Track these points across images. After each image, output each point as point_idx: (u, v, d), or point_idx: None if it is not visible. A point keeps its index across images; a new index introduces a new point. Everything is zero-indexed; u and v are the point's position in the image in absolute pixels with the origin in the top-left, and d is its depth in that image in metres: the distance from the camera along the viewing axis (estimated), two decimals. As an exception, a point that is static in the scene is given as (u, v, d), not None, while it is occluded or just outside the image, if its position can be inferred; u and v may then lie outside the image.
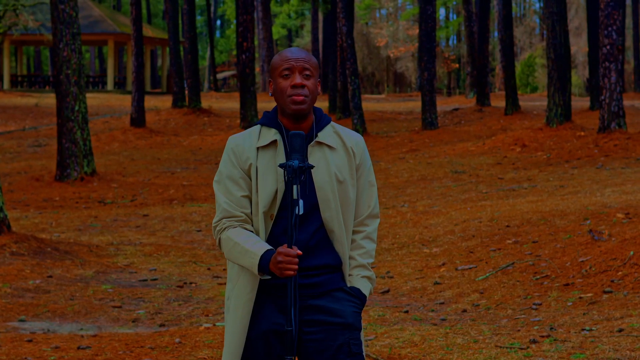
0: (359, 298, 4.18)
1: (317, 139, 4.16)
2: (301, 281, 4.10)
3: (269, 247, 4.05)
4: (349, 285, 4.21)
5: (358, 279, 4.22)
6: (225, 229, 4.16)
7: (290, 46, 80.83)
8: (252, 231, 4.15)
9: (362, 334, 4.26)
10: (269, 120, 4.20)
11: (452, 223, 13.38)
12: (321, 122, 4.21)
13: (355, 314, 4.15)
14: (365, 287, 4.22)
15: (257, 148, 4.16)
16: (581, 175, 17.92)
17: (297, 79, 4.11)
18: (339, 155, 4.18)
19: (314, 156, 4.14)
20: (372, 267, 4.36)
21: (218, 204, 4.18)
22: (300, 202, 4.05)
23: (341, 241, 4.17)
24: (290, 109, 4.11)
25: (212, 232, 4.23)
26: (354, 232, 4.25)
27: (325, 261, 4.15)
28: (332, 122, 4.25)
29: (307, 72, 4.13)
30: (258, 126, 4.22)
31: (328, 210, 4.13)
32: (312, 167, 4.04)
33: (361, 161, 4.23)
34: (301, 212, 4.04)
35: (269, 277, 4.08)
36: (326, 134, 4.19)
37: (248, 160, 4.15)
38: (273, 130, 4.17)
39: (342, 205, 4.17)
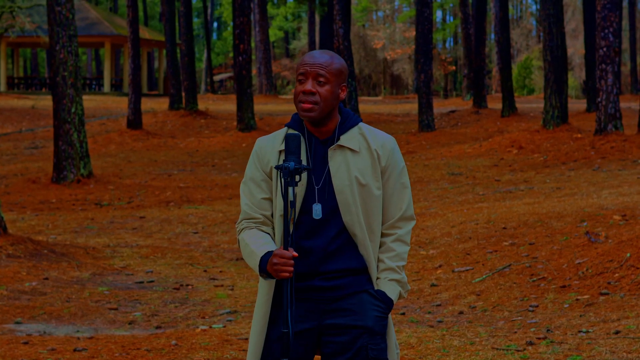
0: (383, 302, 4.12)
1: (338, 142, 4.12)
2: (322, 284, 4.08)
3: (272, 248, 4.05)
4: (376, 288, 4.15)
5: (385, 282, 4.15)
6: (242, 230, 4.17)
7: (287, 48, 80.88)
8: (268, 233, 4.14)
9: (392, 338, 4.19)
10: (295, 123, 4.18)
11: (449, 225, 13.37)
12: (346, 124, 4.15)
13: (378, 318, 4.09)
14: (392, 291, 4.14)
15: (279, 151, 4.14)
16: (578, 177, 17.92)
17: (308, 86, 4.07)
18: (361, 158, 4.12)
19: (335, 160, 4.11)
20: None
21: (241, 205, 4.19)
22: (318, 206, 4.04)
23: (365, 245, 4.12)
24: (300, 114, 4.10)
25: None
26: (385, 235, 4.19)
27: (347, 265, 4.11)
28: (360, 124, 4.18)
29: (322, 79, 4.07)
30: (285, 128, 4.20)
31: (349, 214, 4.09)
32: (309, 168, 4.02)
33: (388, 163, 4.15)
34: (319, 216, 4.03)
35: (272, 279, 4.07)
36: (349, 137, 4.13)
37: (269, 163, 4.14)
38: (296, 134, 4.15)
39: (365, 209, 4.11)
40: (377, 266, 4.17)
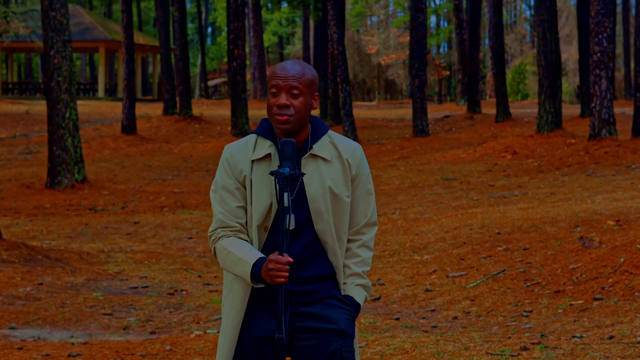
0: (352, 306, 4.18)
1: (311, 152, 4.14)
2: (293, 288, 4.11)
3: (261, 255, 4.06)
4: (343, 293, 4.20)
5: (352, 287, 4.22)
6: (219, 238, 4.16)
7: (281, 53, 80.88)
8: (246, 240, 4.15)
9: (357, 341, 4.26)
10: (265, 131, 4.18)
11: (443, 230, 13.38)
12: (317, 132, 4.18)
13: (348, 321, 4.15)
14: (359, 296, 4.21)
15: (252, 161, 4.15)
16: (572, 182, 17.94)
17: (282, 99, 4.07)
18: (333, 168, 4.16)
19: (308, 168, 4.13)
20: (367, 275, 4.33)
21: (214, 213, 4.18)
22: (293, 216, 4.04)
23: (334, 252, 4.17)
24: (275, 127, 4.10)
25: (208, 241, 4.24)
26: (350, 241, 4.25)
27: (318, 272, 4.16)
28: (329, 132, 4.22)
29: (295, 91, 4.08)
30: (254, 136, 4.20)
31: (321, 222, 4.13)
32: (304, 174, 4.04)
33: (358, 171, 4.20)
34: (292, 226, 4.04)
35: (262, 285, 4.09)
36: (321, 146, 4.16)
37: (242, 172, 4.14)
38: (268, 142, 4.15)
39: (336, 217, 4.16)
40: (344, 271, 4.22)
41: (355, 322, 4.26)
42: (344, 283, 4.22)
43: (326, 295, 4.17)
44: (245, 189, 4.15)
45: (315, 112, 40.41)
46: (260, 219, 4.10)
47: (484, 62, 70.39)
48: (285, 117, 4.06)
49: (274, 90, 4.10)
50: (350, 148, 4.21)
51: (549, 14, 25.95)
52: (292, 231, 4.08)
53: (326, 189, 4.12)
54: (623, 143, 21.84)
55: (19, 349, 8.24)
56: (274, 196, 4.09)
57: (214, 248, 4.18)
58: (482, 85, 64.29)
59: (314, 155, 4.15)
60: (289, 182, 3.99)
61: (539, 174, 20.02)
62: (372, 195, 4.26)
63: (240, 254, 4.07)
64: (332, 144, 4.19)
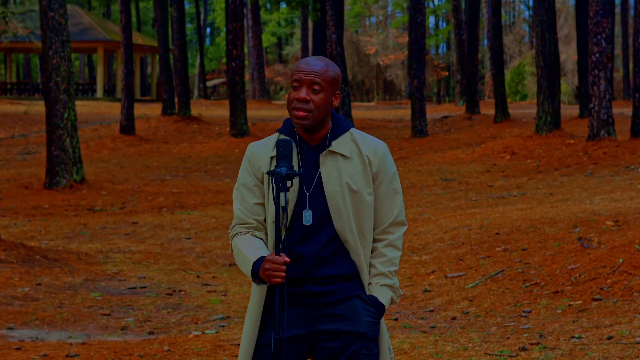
0: (375, 307, 4.13)
1: (330, 148, 4.12)
2: (315, 289, 4.08)
3: (264, 254, 4.05)
4: (367, 293, 4.15)
5: (377, 287, 4.15)
6: (235, 235, 4.16)
7: (280, 54, 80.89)
8: (261, 238, 4.14)
9: (385, 343, 4.19)
10: (286, 129, 4.18)
11: (442, 230, 13.38)
12: (337, 130, 4.16)
13: (370, 323, 4.10)
14: (384, 296, 4.15)
15: (271, 157, 4.14)
16: (570, 182, 17.94)
17: (302, 93, 4.06)
18: (353, 164, 4.13)
19: (326, 165, 4.10)
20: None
21: (234, 210, 4.19)
22: (309, 212, 4.04)
23: (356, 251, 4.12)
24: (293, 122, 4.10)
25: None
26: (377, 240, 4.20)
27: (339, 271, 4.11)
28: (352, 130, 4.19)
29: (316, 87, 4.07)
30: (277, 134, 4.20)
31: (340, 220, 4.09)
32: (301, 174, 4.02)
33: (380, 169, 4.15)
34: (309, 222, 4.03)
35: (265, 284, 4.08)
36: (341, 143, 4.14)
37: (261, 169, 4.14)
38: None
39: (357, 215, 4.12)
40: (369, 271, 4.17)
41: (383, 322, 4.20)
42: (369, 283, 4.16)
43: (349, 295, 4.12)
44: (264, 186, 4.14)
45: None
46: (275, 215, 4.08)
47: (482, 62, 70.40)
48: (304, 113, 4.05)
49: (295, 84, 4.09)
50: (373, 145, 4.17)
51: (548, 14, 25.95)
52: (309, 229, 4.06)
53: (344, 186, 4.09)
54: (622, 143, 21.84)
55: (16, 349, 8.23)
56: (291, 192, 4.06)
57: (231, 245, 4.19)
58: (480, 85, 64.32)
59: (333, 152, 4.12)
60: (286, 181, 3.98)
61: (537, 174, 20.02)
62: (398, 194, 4.21)
63: (247, 252, 4.07)
64: (353, 141, 4.16)
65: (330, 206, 4.08)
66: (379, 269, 4.17)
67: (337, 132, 4.15)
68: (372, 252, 4.19)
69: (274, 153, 4.13)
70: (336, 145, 4.13)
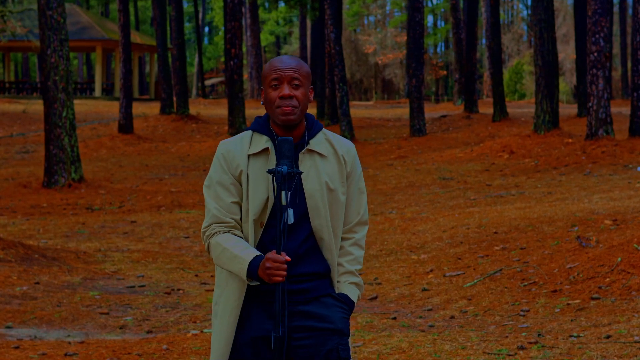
0: (346, 304, 4.19)
1: (308, 147, 4.15)
2: (290, 287, 4.11)
3: (258, 253, 4.05)
4: (337, 291, 4.21)
5: (346, 285, 4.23)
6: (214, 234, 4.15)
7: (278, 53, 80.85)
8: (241, 237, 4.14)
9: (350, 340, 4.27)
10: (261, 126, 4.19)
11: (440, 229, 13.38)
12: (313, 129, 4.20)
13: (344, 319, 4.16)
14: (353, 294, 4.23)
15: (249, 155, 4.15)
16: (569, 182, 17.95)
17: (285, 90, 4.09)
18: (330, 163, 4.18)
19: (305, 164, 4.14)
20: (360, 274, 4.37)
21: (208, 209, 4.16)
22: (291, 211, 4.05)
23: (330, 249, 4.18)
24: (280, 119, 4.11)
25: (201, 237, 4.22)
26: (343, 239, 4.27)
27: (314, 269, 4.16)
28: (323, 129, 4.25)
29: (296, 82, 4.11)
30: (249, 132, 4.20)
31: (318, 219, 4.14)
32: (301, 172, 4.04)
33: (352, 169, 4.23)
34: (291, 221, 4.05)
35: (258, 283, 4.08)
36: (318, 142, 4.19)
37: (239, 167, 4.14)
38: (265, 138, 4.16)
39: (332, 213, 4.17)
40: (337, 269, 4.24)
41: (349, 320, 4.27)
42: (338, 281, 4.23)
43: (322, 293, 4.17)
44: (241, 185, 4.14)
45: (312, 112, 40.40)
46: (257, 214, 4.10)
47: (481, 61, 70.41)
48: (290, 108, 4.08)
49: (274, 83, 4.11)
50: (345, 146, 4.24)
51: (546, 13, 25.95)
52: (289, 227, 4.08)
53: (323, 185, 4.14)
54: (620, 142, 21.85)
55: (15, 348, 8.23)
56: (270, 191, 4.09)
57: (208, 244, 4.16)
58: (479, 85, 64.32)
59: (311, 151, 4.16)
60: (287, 180, 3.99)
61: (536, 173, 20.03)
62: (364, 194, 4.30)
63: (237, 250, 4.06)
64: (328, 141, 4.22)
65: (308, 204, 4.12)
66: (347, 268, 4.24)
67: (313, 131, 4.20)
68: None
69: (252, 151, 4.14)
70: (314, 144, 4.18)
